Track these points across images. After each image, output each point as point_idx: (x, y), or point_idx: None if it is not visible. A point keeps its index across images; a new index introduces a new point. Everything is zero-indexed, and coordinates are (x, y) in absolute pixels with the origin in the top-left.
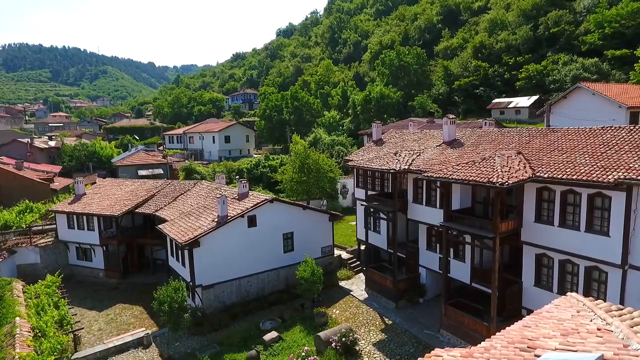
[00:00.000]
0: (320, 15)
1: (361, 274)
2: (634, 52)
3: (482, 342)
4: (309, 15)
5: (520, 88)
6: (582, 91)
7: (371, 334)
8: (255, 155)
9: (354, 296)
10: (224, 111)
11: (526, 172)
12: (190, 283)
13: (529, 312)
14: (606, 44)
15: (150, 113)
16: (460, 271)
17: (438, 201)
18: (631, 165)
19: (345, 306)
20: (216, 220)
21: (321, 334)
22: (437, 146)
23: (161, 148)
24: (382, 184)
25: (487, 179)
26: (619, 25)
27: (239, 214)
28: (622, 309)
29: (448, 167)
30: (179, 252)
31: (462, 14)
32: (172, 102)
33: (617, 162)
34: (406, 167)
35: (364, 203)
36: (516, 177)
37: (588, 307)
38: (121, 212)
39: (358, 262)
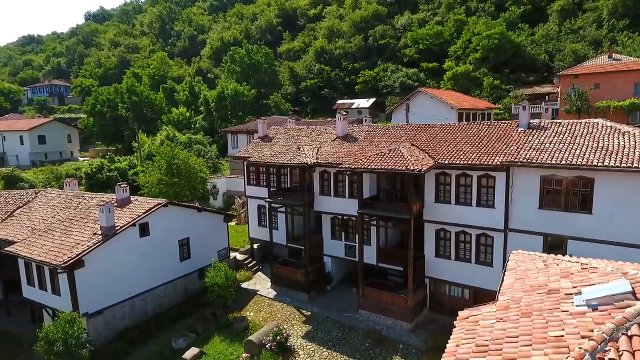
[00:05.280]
0: (142, 3)
1: (260, 273)
2: (442, 65)
3: (500, 297)
4: (128, 1)
5: (359, 91)
6: (422, 95)
7: (296, 328)
8: (82, 158)
9: (262, 295)
10: (23, 105)
11: (430, 160)
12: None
13: (432, 280)
14: (421, 57)
15: None
16: (368, 254)
17: (347, 191)
18: (505, 151)
19: (258, 307)
20: (98, 232)
21: (252, 337)
22: (332, 140)
23: None
24: (278, 180)
25: (404, 167)
26: (429, 42)
27: (130, 222)
28: (557, 255)
29: (361, 158)
30: (47, 277)
31: (299, 19)
32: None
33: (494, 149)
34: (315, 160)
35: (267, 200)
36: (426, 164)
37: (545, 257)
38: None
39: (254, 262)
